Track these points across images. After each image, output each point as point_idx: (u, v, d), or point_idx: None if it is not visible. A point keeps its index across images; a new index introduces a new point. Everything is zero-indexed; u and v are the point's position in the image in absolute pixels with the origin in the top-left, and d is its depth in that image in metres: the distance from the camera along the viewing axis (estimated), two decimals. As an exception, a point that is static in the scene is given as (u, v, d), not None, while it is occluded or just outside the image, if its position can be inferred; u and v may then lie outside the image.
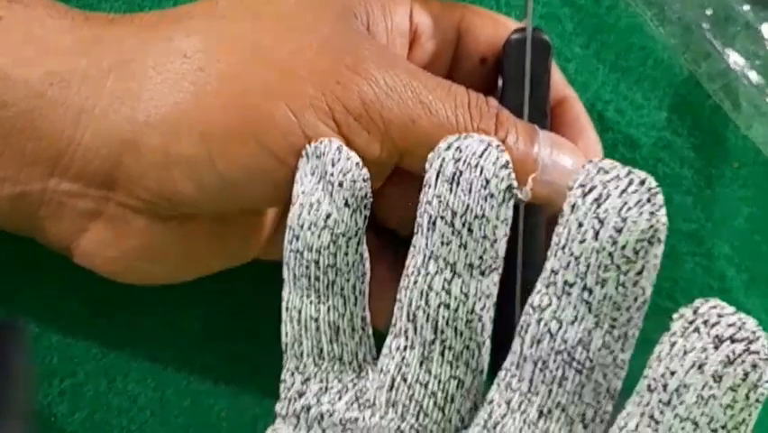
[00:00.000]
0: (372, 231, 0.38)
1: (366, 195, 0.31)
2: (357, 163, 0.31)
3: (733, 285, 0.42)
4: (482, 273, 0.31)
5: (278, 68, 0.32)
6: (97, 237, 0.34)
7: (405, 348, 0.31)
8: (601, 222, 0.29)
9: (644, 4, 0.42)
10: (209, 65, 0.32)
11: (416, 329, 0.31)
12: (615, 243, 0.29)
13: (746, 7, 0.41)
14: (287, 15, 0.33)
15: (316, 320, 0.33)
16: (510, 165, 0.30)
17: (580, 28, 0.42)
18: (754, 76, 0.41)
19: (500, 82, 0.36)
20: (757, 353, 0.28)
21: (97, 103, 0.32)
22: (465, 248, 0.30)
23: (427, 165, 0.31)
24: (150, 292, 0.38)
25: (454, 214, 0.30)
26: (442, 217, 0.30)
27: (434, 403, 0.31)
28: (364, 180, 0.31)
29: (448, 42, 0.37)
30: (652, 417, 0.29)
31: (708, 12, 0.41)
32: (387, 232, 0.37)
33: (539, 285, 0.30)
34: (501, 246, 0.31)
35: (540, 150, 0.34)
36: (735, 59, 0.41)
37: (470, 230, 0.30)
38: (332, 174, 0.31)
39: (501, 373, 0.31)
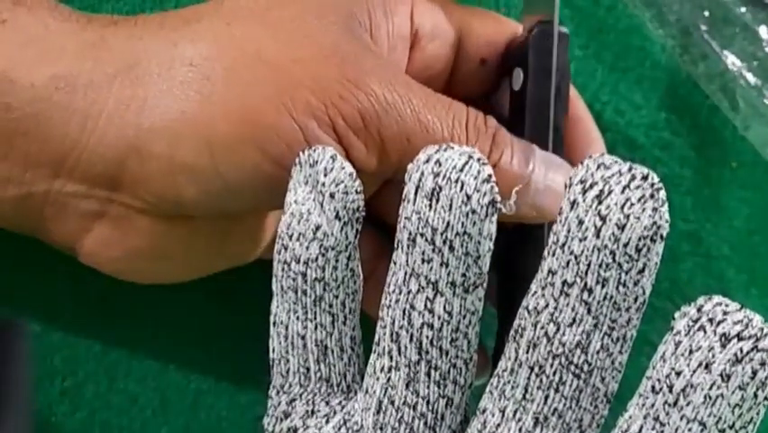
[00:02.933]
0: (374, 230, 0.38)
1: (358, 208, 0.30)
2: (350, 174, 0.30)
3: (732, 285, 0.42)
4: (466, 291, 0.30)
5: (282, 77, 0.32)
6: (101, 237, 0.34)
7: (390, 369, 0.31)
8: (603, 219, 0.28)
9: (643, 5, 0.42)
10: (215, 73, 0.32)
11: (399, 350, 0.30)
12: (617, 240, 0.28)
13: (744, 9, 0.41)
14: (291, 22, 0.33)
15: (303, 338, 0.32)
16: (493, 179, 0.29)
17: (579, 29, 0.42)
18: (751, 77, 0.41)
19: (517, 77, 0.36)
20: (766, 350, 0.27)
21: (103, 108, 0.32)
22: (447, 266, 0.29)
23: (406, 177, 0.30)
24: (151, 292, 0.38)
25: (434, 231, 0.29)
26: (421, 234, 0.29)
27: (425, 424, 0.31)
28: (357, 192, 0.30)
29: (449, 44, 0.37)
30: (657, 419, 0.28)
31: (706, 13, 0.41)
32: (389, 230, 0.37)
33: (534, 287, 0.30)
34: (485, 262, 0.30)
35: (535, 170, 0.33)
36: (732, 60, 0.41)
37: (451, 247, 0.29)
38: (323, 184, 0.30)
39: (494, 381, 0.31)
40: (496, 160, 0.33)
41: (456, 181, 0.29)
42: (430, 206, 0.29)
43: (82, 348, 0.40)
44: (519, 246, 0.36)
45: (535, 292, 0.30)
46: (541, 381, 0.30)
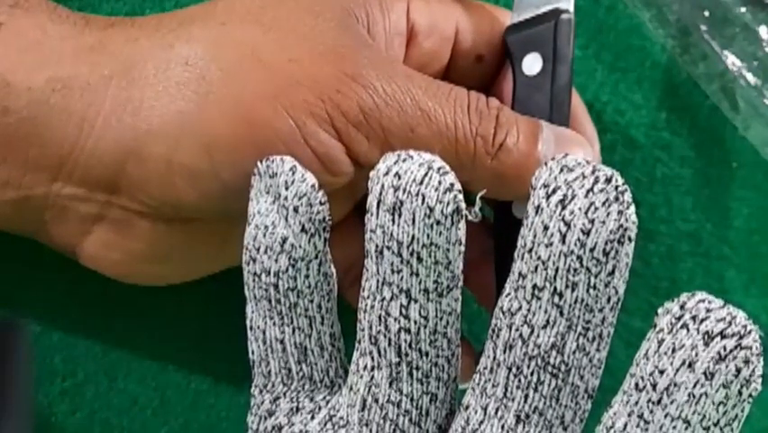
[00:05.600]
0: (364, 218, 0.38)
1: (324, 218, 0.30)
2: (313, 185, 0.30)
3: (732, 285, 0.42)
4: (440, 295, 0.29)
5: (279, 76, 0.32)
6: (101, 240, 0.34)
7: (372, 368, 0.31)
8: (567, 225, 0.28)
9: (643, 5, 0.42)
10: (211, 73, 0.32)
11: (380, 352, 0.30)
12: (583, 246, 0.28)
13: (744, 9, 0.41)
14: (287, 21, 0.33)
15: (282, 342, 0.32)
16: (456, 186, 0.28)
17: (579, 29, 0.42)
18: (751, 77, 0.41)
19: (532, 62, 0.36)
20: (749, 348, 0.27)
21: (100, 111, 0.32)
22: (417, 275, 0.29)
23: (370, 184, 0.29)
24: (151, 292, 0.38)
25: (400, 244, 0.29)
26: (388, 247, 0.29)
27: (410, 420, 0.31)
28: (321, 203, 0.30)
29: (446, 40, 0.36)
30: (641, 416, 0.28)
31: (706, 13, 0.41)
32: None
33: (507, 287, 0.30)
34: (458, 265, 0.29)
35: (544, 147, 0.33)
36: (732, 60, 0.41)
37: (419, 259, 0.29)
38: (286, 198, 0.30)
39: (476, 377, 0.31)
40: (501, 140, 0.33)
41: (417, 195, 0.28)
42: (393, 220, 0.28)
43: (82, 348, 0.40)
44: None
45: (509, 294, 0.29)
46: (519, 381, 0.30)
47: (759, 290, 0.42)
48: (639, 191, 0.42)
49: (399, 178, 0.28)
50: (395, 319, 0.30)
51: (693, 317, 0.27)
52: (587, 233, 0.28)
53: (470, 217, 0.29)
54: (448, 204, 0.28)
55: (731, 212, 0.42)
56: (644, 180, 0.42)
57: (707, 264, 0.42)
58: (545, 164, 0.29)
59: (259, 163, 0.31)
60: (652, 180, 0.42)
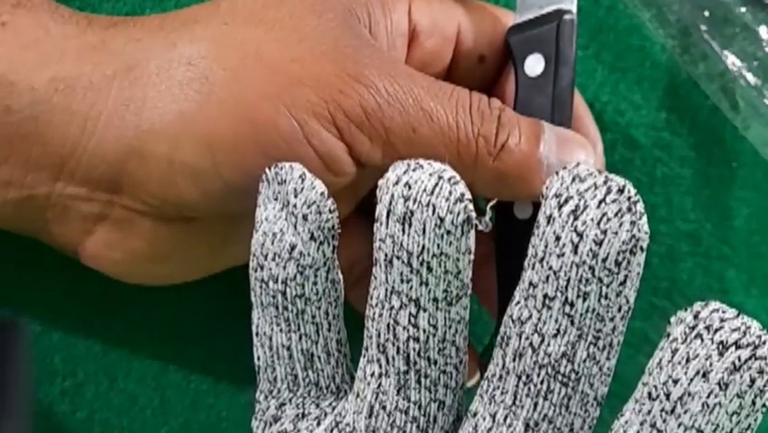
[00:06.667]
0: (366, 218, 0.38)
1: (333, 226, 0.30)
2: (322, 193, 0.30)
3: (732, 285, 0.42)
4: (449, 303, 0.29)
5: (281, 76, 0.32)
6: (103, 239, 0.34)
7: (380, 375, 0.31)
8: (580, 235, 0.28)
9: (643, 5, 0.42)
10: (213, 73, 0.32)
11: (388, 360, 0.30)
12: (595, 256, 0.28)
13: (744, 9, 0.41)
14: (289, 20, 0.33)
15: (288, 348, 0.32)
16: (467, 196, 0.28)
17: (579, 29, 0.42)
18: (751, 77, 0.41)
19: (534, 63, 0.36)
20: (764, 358, 0.27)
21: (102, 110, 0.32)
22: (427, 285, 0.29)
23: (378, 194, 0.29)
24: (151, 292, 0.38)
25: (410, 254, 0.29)
26: (398, 257, 0.29)
27: (417, 427, 0.31)
28: (330, 211, 0.30)
29: (447, 40, 0.36)
30: (654, 425, 0.28)
31: (706, 13, 0.41)
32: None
33: (517, 296, 0.30)
34: (467, 274, 0.29)
35: (546, 147, 0.33)
36: (732, 60, 0.41)
37: (429, 268, 0.29)
38: (294, 205, 0.30)
39: (484, 384, 0.31)
40: (503, 141, 0.33)
41: (427, 205, 0.28)
42: (403, 230, 0.28)
43: (82, 348, 0.40)
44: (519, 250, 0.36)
45: (518, 302, 0.29)
46: (529, 389, 0.30)
47: (759, 290, 0.42)
48: (639, 191, 0.42)
49: (410, 188, 0.28)
50: (404, 328, 0.30)
51: (707, 327, 0.27)
52: (599, 243, 0.28)
53: (480, 227, 0.29)
54: (458, 214, 0.28)
55: (731, 212, 0.42)
56: (644, 180, 0.42)
57: (707, 264, 0.42)
58: (557, 173, 0.29)
59: (267, 170, 0.31)
60: (652, 180, 0.42)
